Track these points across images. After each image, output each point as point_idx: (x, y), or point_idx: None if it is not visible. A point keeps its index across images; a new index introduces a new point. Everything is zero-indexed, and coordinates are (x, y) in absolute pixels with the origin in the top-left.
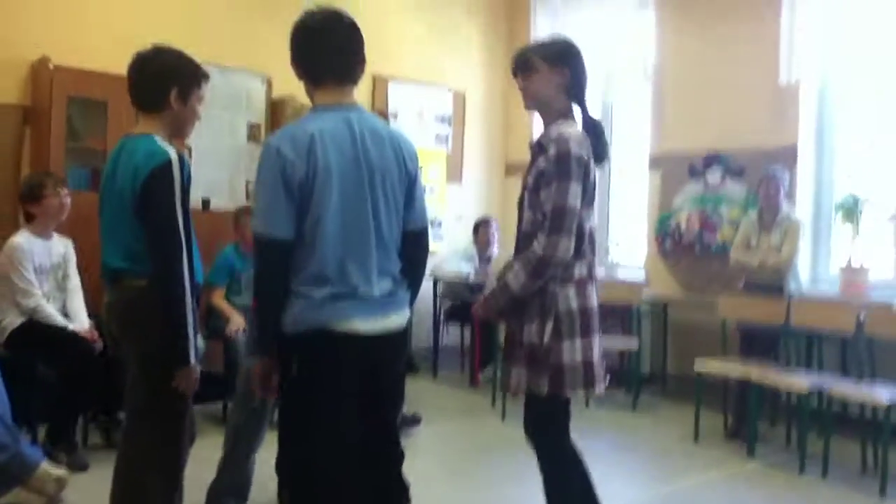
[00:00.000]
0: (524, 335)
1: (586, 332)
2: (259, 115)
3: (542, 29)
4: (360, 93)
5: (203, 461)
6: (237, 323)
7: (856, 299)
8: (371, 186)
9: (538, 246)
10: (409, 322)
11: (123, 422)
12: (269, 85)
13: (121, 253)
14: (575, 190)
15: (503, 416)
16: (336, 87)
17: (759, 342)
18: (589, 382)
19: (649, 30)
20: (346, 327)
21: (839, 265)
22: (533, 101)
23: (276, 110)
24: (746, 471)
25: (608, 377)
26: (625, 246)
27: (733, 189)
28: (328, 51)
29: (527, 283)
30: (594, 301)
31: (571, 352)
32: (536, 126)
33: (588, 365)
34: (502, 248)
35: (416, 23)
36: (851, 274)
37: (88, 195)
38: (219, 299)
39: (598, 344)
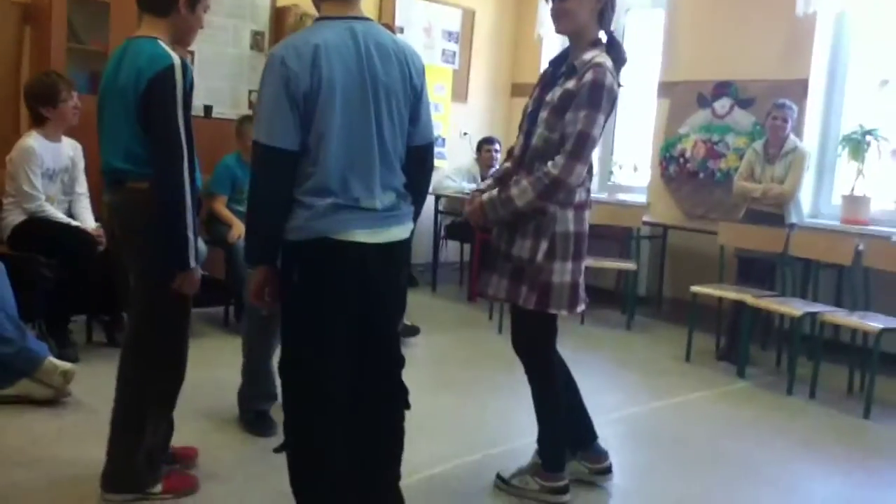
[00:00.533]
0: (514, 249)
1: (577, 256)
2: (263, 23)
3: None
4: (367, 5)
5: (208, 363)
6: (239, 229)
7: (855, 230)
8: (375, 100)
9: (555, 167)
10: (411, 236)
11: (126, 322)
12: None
13: (122, 154)
14: (601, 121)
15: (499, 329)
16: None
17: (757, 271)
18: (573, 303)
19: None
20: (348, 237)
21: (842, 195)
22: (567, 25)
23: (279, 19)
24: (735, 390)
25: (587, 299)
26: (628, 169)
27: (741, 119)
28: None
29: (533, 202)
30: (587, 226)
31: (561, 272)
32: (546, 49)
33: (575, 286)
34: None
35: None
36: (853, 203)
37: (89, 98)
38: (221, 207)
39: (583, 267)
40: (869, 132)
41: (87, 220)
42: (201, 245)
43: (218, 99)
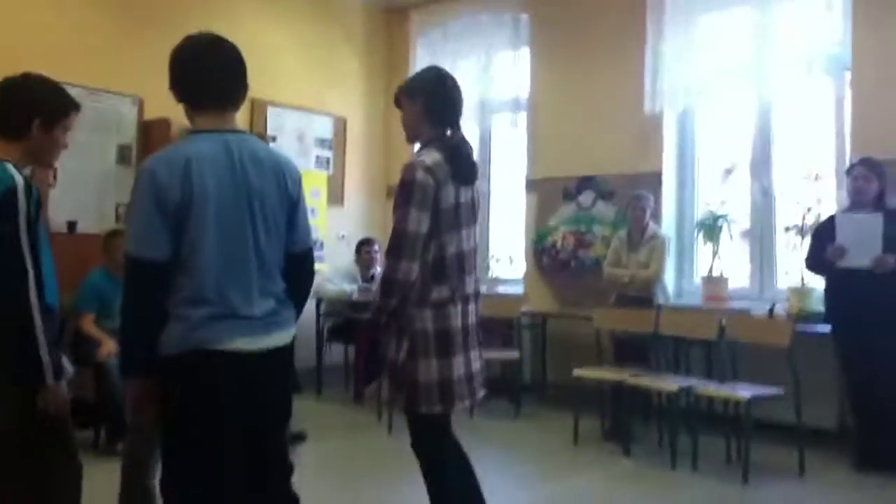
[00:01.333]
0: (386, 350)
1: (443, 353)
2: (130, 136)
3: (422, 59)
4: (239, 114)
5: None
6: (109, 347)
7: (717, 307)
8: (250, 210)
9: (386, 268)
10: (293, 340)
11: None
12: (141, 106)
13: None
14: (415, 216)
15: (389, 429)
16: (217, 111)
17: (631, 350)
18: (447, 399)
19: (524, 64)
20: (227, 346)
21: (701, 276)
22: (407, 133)
23: (148, 132)
24: (623, 469)
25: (480, 393)
26: (505, 262)
27: (604, 210)
28: (210, 74)
29: (381, 302)
30: (457, 322)
31: (427, 371)
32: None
33: (445, 383)
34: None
35: (295, 50)
36: (712, 284)
37: None
38: (88, 325)
39: (465, 362)
40: (720, 216)
41: None
42: (66, 364)
43: (83, 213)
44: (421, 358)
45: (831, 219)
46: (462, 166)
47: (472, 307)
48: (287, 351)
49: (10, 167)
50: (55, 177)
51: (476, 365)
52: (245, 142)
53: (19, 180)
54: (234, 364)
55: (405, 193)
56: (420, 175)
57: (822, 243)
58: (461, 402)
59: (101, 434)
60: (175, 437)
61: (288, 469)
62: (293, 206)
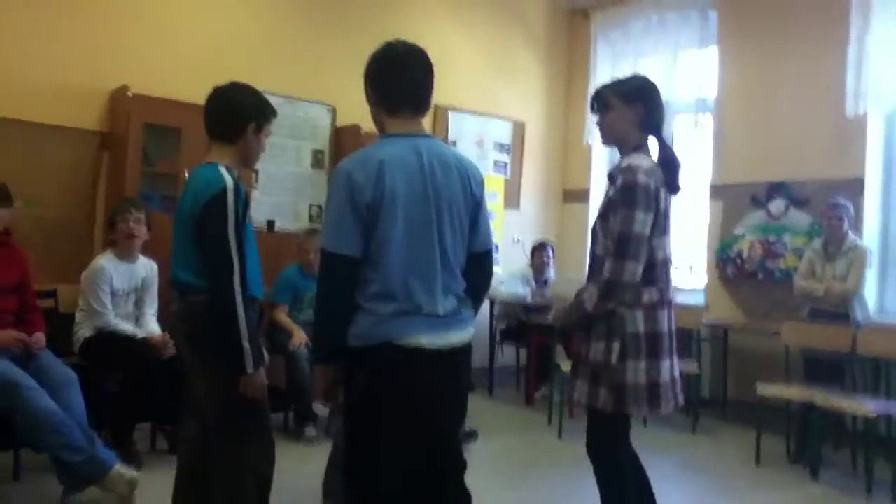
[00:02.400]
0: (590, 353)
1: (653, 355)
2: (324, 142)
3: (603, 60)
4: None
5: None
6: (299, 337)
7: None
8: (437, 211)
9: (606, 270)
10: (471, 340)
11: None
12: (334, 114)
13: (187, 268)
14: (641, 217)
15: (559, 433)
16: (410, 117)
17: (824, 370)
18: (654, 403)
19: (712, 63)
20: (411, 342)
21: None
22: (609, 137)
23: (340, 137)
24: (810, 494)
25: (681, 399)
26: (684, 271)
27: (797, 218)
28: (408, 82)
29: (598, 304)
30: (664, 326)
31: (635, 372)
32: (595, 156)
33: (654, 386)
34: (558, 271)
35: (476, 55)
36: None
37: (163, 216)
38: (282, 315)
39: (670, 367)
40: None
41: (154, 331)
42: (263, 352)
43: (280, 213)
44: (630, 360)
45: None
46: (674, 174)
47: (673, 313)
48: (466, 350)
49: (223, 170)
50: (256, 179)
51: (677, 370)
52: (434, 146)
53: (230, 182)
54: (416, 359)
55: (629, 196)
56: (643, 178)
57: None
58: (666, 406)
59: (290, 418)
60: (356, 427)
61: (462, 466)
62: (476, 208)
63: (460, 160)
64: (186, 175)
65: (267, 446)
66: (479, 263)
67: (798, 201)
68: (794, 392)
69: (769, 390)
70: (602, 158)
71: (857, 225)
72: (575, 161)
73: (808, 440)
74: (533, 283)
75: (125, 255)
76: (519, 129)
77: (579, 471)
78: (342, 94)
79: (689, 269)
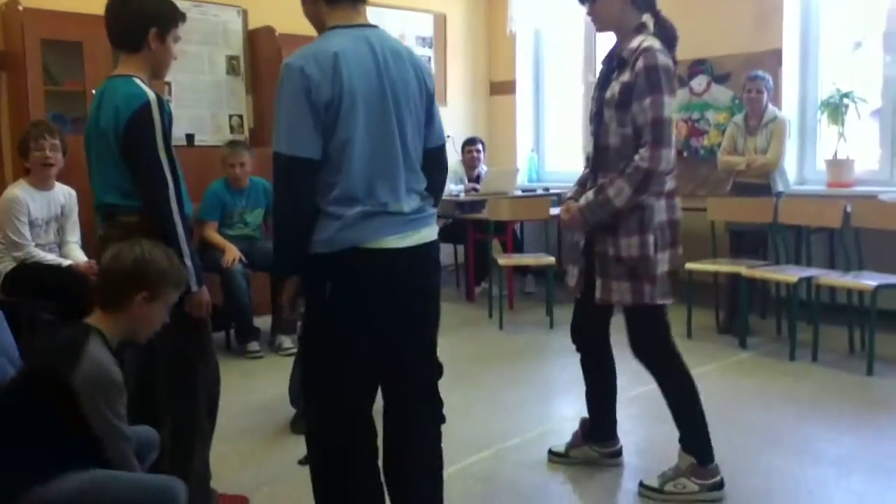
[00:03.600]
0: (622, 250)
1: (674, 243)
2: (237, 47)
3: None
4: None
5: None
6: (233, 253)
7: (841, 192)
8: (396, 105)
9: (643, 160)
10: (438, 237)
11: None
12: (246, 16)
13: (111, 190)
14: (669, 101)
15: (500, 325)
16: (350, 5)
17: (749, 242)
18: (673, 290)
19: None
20: (379, 244)
21: (825, 160)
22: (603, 23)
23: (254, 41)
24: (739, 360)
25: None
26: None
27: (719, 94)
28: None
29: (632, 198)
30: (679, 213)
31: (663, 262)
32: (521, 45)
33: (673, 273)
34: (490, 165)
35: None
36: (837, 167)
37: (76, 138)
38: (212, 233)
39: (679, 252)
40: (846, 95)
41: (79, 258)
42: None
43: (199, 127)
44: (661, 250)
45: None
46: (673, 47)
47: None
48: (435, 247)
49: (139, 82)
50: (170, 91)
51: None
52: (384, 37)
53: (152, 95)
54: (385, 261)
55: (653, 79)
56: (662, 58)
57: None
58: (674, 294)
59: (231, 336)
60: (322, 335)
61: (435, 367)
62: (430, 101)
63: (410, 52)
64: (94, 92)
65: (212, 366)
66: (435, 159)
67: (718, 77)
68: (720, 266)
69: (697, 266)
70: (528, 48)
71: (776, 97)
72: (499, 52)
73: (736, 311)
74: (465, 180)
75: (41, 184)
76: (440, 22)
77: (522, 360)
78: None
79: None
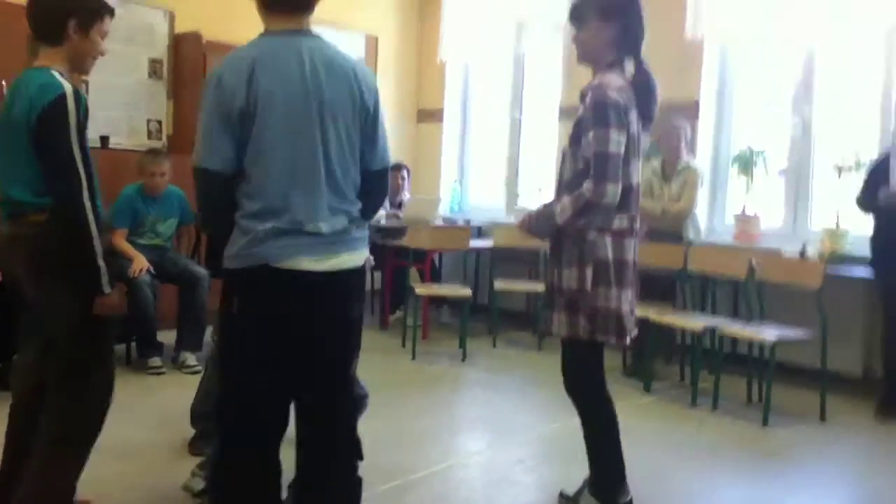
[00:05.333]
0: (563, 281)
1: (620, 283)
2: (161, 50)
3: None
4: None
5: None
6: (140, 263)
7: (748, 245)
8: (321, 119)
9: (587, 190)
10: (365, 264)
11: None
12: (172, 20)
13: (21, 186)
14: (615, 137)
15: (413, 355)
16: (290, 12)
17: (658, 287)
18: (620, 332)
19: None
20: (290, 264)
21: (734, 214)
22: (584, 55)
23: (179, 46)
24: (643, 404)
25: (635, 330)
26: (533, 192)
27: None
28: None
29: (570, 220)
30: (631, 254)
31: (606, 298)
32: (450, 74)
33: (619, 314)
34: (413, 192)
35: None
36: (745, 222)
37: None
38: (120, 240)
39: (632, 297)
40: (757, 152)
41: None
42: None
43: (115, 129)
44: (601, 285)
45: (887, 158)
46: (648, 98)
47: (637, 242)
48: (357, 273)
49: (56, 74)
50: (87, 90)
51: (634, 302)
52: (319, 45)
53: (68, 87)
54: (297, 283)
55: (601, 114)
56: (613, 95)
57: (877, 182)
58: (629, 335)
59: (132, 348)
60: (229, 354)
61: (349, 407)
62: (371, 119)
63: (349, 62)
64: (3, 85)
65: (107, 371)
66: (375, 182)
67: None
68: None
69: None
70: (457, 77)
71: (691, 146)
72: (429, 80)
73: (642, 355)
74: (387, 205)
75: None
76: (372, 44)
77: (433, 390)
78: None
79: (539, 191)
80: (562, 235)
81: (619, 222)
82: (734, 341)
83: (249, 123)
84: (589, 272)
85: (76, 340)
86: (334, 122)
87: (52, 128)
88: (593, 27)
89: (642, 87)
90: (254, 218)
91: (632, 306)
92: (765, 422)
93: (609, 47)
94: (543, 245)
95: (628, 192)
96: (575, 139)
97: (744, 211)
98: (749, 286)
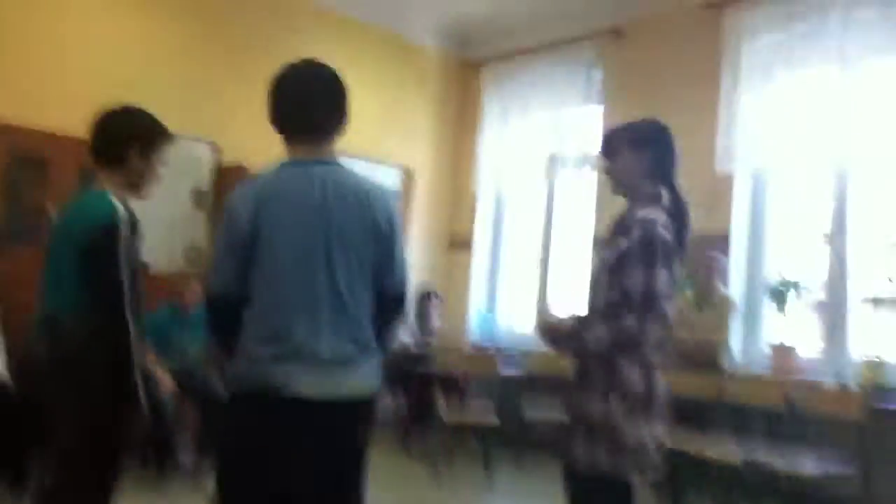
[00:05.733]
0: (586, 411)
1: (648, 416)
2: (205, 181)
3: (491, 112)
4: None
5: None
6: (166, 386)
7: (785, 377)
8: (327, 246)
9: (631, 326)
10: (374, 395)
11: (48, 479)
12: (218, 152)
13: (64, 301)
14: (662, 275)
15: (438, 482)
16: (309, 141)
17: (690, 415)
18: (651, 466)
19: (596, 119)
20: (289, 391)
21: (769, 343)
22: (618, 185)
23: (223, 178)
24: None
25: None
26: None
27: None
28: (296, 101)
29: (603, 350)
30: (660, 388)
31: (635, 432)
32: (481, 205)
33: (647, 448)
34: (444, 321)
35: (366, 101)
36: (781, 352)
37: (25, 249)
38: (149, 361)
39: (662, 431)
40: (791, 283)
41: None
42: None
43: (154, 254)
44: (631, 419)
45: None
46: (682, 226)
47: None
48: (364, 402)
49: (113, 198)
50: None
51: (661, 437)
52: (334, 173)
53: (122, 211)
54: (295, 410)
55: (650, 252)
56: (660, 233)
57: None
58: (654, 473)
59: (152, 468)
60: (224, 478)
61: None
62: (386, 245)
63: (366, 191)
64: (49, 208)
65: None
66: (390, 309)
67: None
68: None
69: None
70: (489, 207)
71: (724, 278)
72: (462, 209)
73: (675, 484)
74: (418, 332)
75: None
76: (408, 176)
77: None
78: (227, 133)
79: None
80: (588, 362)
81: (652, 356)
82: (773, 473)
83: (255, 250)
84: (617, 404)
85: (88, 458)
86: (344, 247)
87: (102, 251)
88: (626, 158)
89: (678, 216)
90: (254, 341)
91: (660, 441)
92: None
93: (642, 177)
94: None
95: (666, 326)
96: (615, 270)
97: (780, 342)
98: (787, 417)
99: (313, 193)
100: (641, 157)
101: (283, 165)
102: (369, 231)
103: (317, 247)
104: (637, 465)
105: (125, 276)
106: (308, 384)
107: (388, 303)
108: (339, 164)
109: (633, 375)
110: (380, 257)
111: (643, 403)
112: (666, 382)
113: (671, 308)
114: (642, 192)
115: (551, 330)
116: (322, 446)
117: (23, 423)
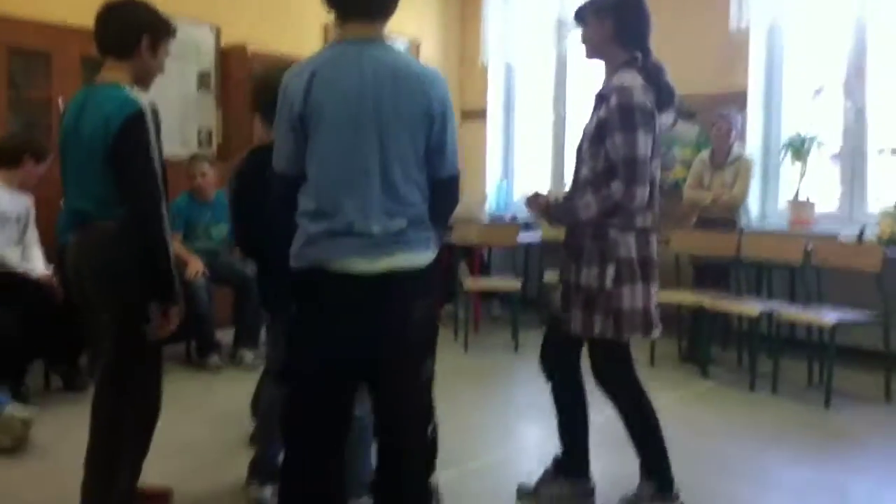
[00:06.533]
0: (582, 279)
1: (646, 279)
2: (209, 63)
3: None
4: (313, 40)
5: (175, 400)
6: (196, 267)
7: (802, 231)
8: (378, 126)
9: (616, 192)
10: (431, 265)
11: (98, 370)
12: (218, 34)
13: (89, 198)
14: (642, 140)
15: (465, 348)
16: (361, 20)
17: (711, 275)
18: (646, 327)
19: None
20: (342, 266)
21: (787, 200)
22: (591, 51)
23: (226, 59)
24: (701, 390)
25: (661, 325)
26: None
27: (685, 131)
28: None
29: (594, 217)
30: (654, 250)
31: (631, 297)
32: (493, 75)
33: (646, 310)
34: (461, 192)
35: None
36: (798, 207)
37: None
38: (176, 245)
39: (656, 292)
40: (809, 138)
41: (39, 266)
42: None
43: (167, 140)
44: (626, 284)
45: None
46: (663, 91)
47: (657, 238)
48: (412, 274)
49: (130, 90)
50: None
51: (657, 297)
52: (383, 53)
53: (144, 102)
54: (348, 285)
55: (628, 118)
56: (637, 98)
57: None
58: (656, 329)
59: (191, 348)
60: (291, 352)
61: (422, 414)
62: (439, 127)
63: (416, 72)
64: (61, 103)
65: (153, 396)
66: (444, 189)
67: (686, 114)
68: (684, 297)
69: (661, 296)
70: (500, 79)
71: (741, 135)
72: (471, 81)
73: (698, 341)
74: None
75: (9, 183)
76: (414, 49)
77: (487, 383)
78: (226, 14)
79: None
80: (579, 231)
81: (643, 220)
82: (792, 326)
83: (307, 129)
84: (610, 271)
85: (129, 351)
86: (396, 128)
87: (131, 144)
88: (592, 25)
89: (653, 74)
90: (308, 217)
91: (656, 301)
92: (827, 404)
93: (611, 45)
94: None
95: (652, 189)
96: (596, 139)
97: (797, 196)
98: (806, 271)
99: (366, 74)
100: (604, 23)
101: (335, 45)
102: (422, 113)
103: (368, 127)
104: (633, 328)
105: (157, 170)
106: (361, 260)
107: (442, 184)
108: (390, 46)
109: (624, 242)
110: (432, 140)
111: (637, 268)
112: (683, 243)
113: (656, 170)
114: (615, 59)
115: (546, 206)
116: (380, 317)
117: (71, 320)
